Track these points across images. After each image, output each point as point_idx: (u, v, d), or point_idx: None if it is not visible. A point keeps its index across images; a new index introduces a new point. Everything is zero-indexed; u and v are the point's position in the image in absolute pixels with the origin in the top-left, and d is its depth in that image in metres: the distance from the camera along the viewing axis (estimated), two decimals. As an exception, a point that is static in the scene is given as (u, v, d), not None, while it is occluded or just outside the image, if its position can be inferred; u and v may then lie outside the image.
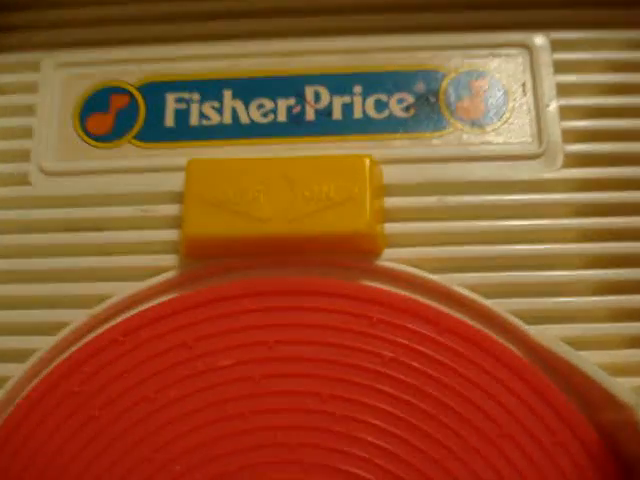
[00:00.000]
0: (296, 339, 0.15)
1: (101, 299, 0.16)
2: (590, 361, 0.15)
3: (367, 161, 0.16)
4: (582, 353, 0.16)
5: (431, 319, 0.16)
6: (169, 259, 0.17)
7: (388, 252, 0.17)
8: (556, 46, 0.18)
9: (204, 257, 0.16)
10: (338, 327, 0.15)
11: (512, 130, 0.18)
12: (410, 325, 0.15)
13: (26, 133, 0.18)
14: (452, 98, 0.18)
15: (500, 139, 0.18)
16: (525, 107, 0.18)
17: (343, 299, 0.15)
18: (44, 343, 0.16)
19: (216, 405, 0.15)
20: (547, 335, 0.16)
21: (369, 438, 0.15)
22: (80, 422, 0.15)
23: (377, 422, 0.15)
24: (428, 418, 0.15)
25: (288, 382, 0.15)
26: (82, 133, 0.18)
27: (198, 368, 0.15)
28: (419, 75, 0.18)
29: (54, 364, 0.16)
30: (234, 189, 0.16)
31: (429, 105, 0.18)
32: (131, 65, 0.18)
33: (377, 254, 0.16)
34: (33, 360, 0.16)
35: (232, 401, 0.15)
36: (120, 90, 0.18)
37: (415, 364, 0.15)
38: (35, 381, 0.16)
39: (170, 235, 0.17)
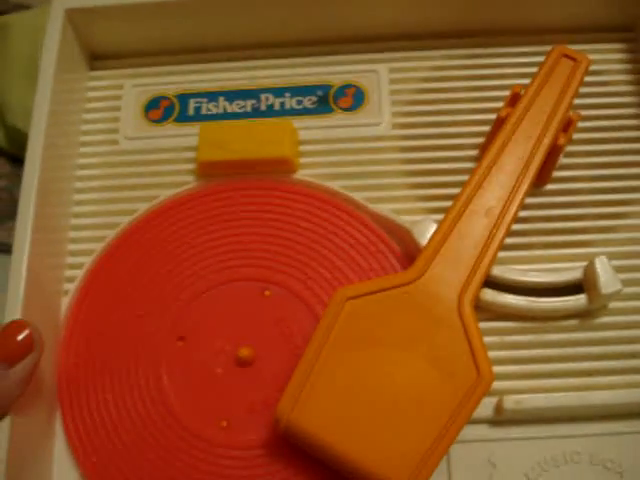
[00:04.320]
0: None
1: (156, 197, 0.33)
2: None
3: (289, 125, 0.33)
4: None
5: (319, 197, 0.32)
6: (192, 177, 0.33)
7: (300, 172, 0.33)
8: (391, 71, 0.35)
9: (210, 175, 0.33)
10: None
11: (369, 111, 0.34)
12: (302, 204, 0.32)
13: (117, 119, 0.35)
14: (335, 100, 0.35)
15: (365, 118, 0.34)
16: (374, 102, 0.34)
17: (275, 190, 0.32)
18: (127, 217, 0.32)
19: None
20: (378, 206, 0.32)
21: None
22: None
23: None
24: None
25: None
26: (146, 119, 0.35)
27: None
28: (320, 88, 0.35)
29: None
30: (219, 136, 0.32)
31: (324, 101, 0.34)
32: (171, 85, 0.35)
33: (294, 172, 0.33)
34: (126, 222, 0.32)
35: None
36: (165, 98, 0.35)
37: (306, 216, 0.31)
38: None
39: (191, 166, 0.33)
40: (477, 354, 0.26)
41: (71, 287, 0.31)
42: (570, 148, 0.32)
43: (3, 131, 0.52)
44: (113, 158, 0.34)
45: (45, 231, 0.30)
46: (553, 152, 0.30)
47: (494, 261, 0.28)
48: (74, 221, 0.33)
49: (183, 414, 0.28)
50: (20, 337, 0.26)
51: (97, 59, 0.36)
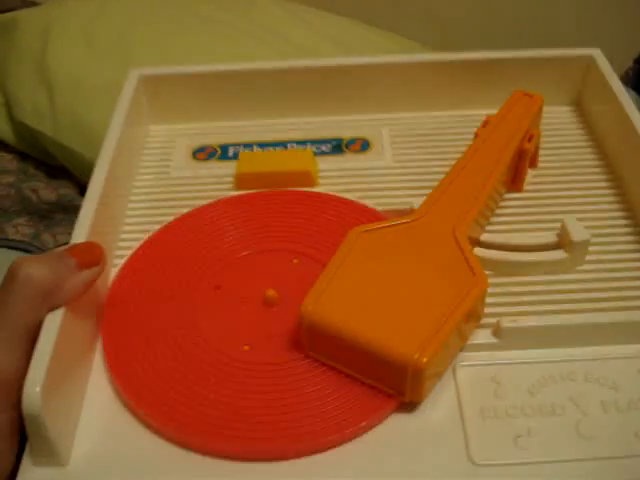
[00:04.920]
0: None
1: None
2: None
3: (310, 151, 0.41)
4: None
5: (339, 200, 0.38)
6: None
7: (320, 187, 0.40)
8: (392, 130, 0.44)
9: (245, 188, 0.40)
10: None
11: (374, 153, 0.42)
12: (324, 204, 0.38)
13: (169, 159, 0.43)
14: (347, 146, 0.43)
15: (371, 157, 0.42)
16: (378, 148, 0.43)
17: (303, 195, 0.39)
18: (171, 217, 0.38)
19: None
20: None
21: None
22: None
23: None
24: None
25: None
26: (193, 158, 0.43)
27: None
28: (334, 140, 0.44)
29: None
30: (255, 157, 0.40)
31: (338, 147, 0.43)
32: (215, 139, 0.44)
33: (314, 187, 0.40)
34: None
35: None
36: (210, 147, 0.44)
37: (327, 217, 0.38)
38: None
39: (229, 191, 0.40)
40: (472, 264, 0.31)
41: (120, 262, 0.36)
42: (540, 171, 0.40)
43: (11, 127, 0.55)
44: (163, 181, 0.41)
45: (102, 225, 0.36)
46: (522, 155, 0.38)
47: (482, 208, 0.34)
48: (127, 220, 0.39)
49: (212, 337, 0.32)
50: (94, 250, 0.31)
51: (157, 115, 0.46)
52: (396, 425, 0.29)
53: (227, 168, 0.42)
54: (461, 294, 0.30)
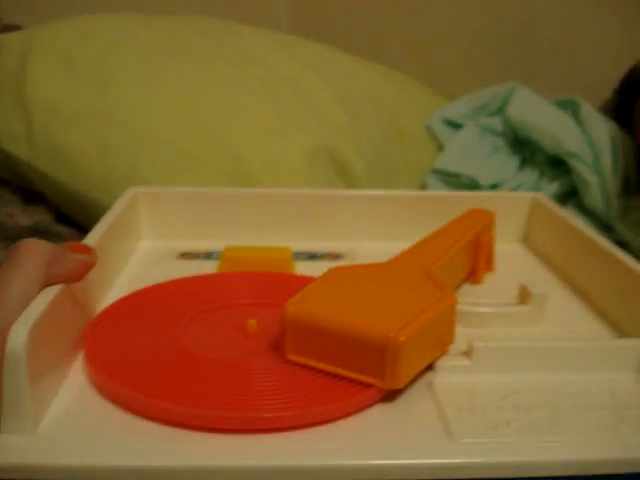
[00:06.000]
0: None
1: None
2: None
3: (289, 248, 0.45)
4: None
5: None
6: (211, 275, 0.43)
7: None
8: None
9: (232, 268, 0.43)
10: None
11: (345, 261, 0.46)
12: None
13: (155, 260, 0.46)
14: (321, 257, 0.47)
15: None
16: (350, 258, 0.47)
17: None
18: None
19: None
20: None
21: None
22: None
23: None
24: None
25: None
26: (180, 258, 0.46)
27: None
28: (310, 252, 0.48)
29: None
30: (239, 248, 0.44)
31: (314, 258, 0.47)
32: (201, 248, 0.48)
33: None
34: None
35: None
36: (195, 253, 0.47)
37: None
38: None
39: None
40: (441, 285, 0.34)
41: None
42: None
43: None
44: (146, 267, 0.44)
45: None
46: (478, 247, 0.42)
47: (448, 265, 0.38)
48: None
49: (188, 344, 0.33)
50: (84, 245, 0.34)
51: (147, 228, 0.50)
52: (376, 415, 0.29)
53: (213, 264, 0.45)
54: (433, 302, 0.32)
